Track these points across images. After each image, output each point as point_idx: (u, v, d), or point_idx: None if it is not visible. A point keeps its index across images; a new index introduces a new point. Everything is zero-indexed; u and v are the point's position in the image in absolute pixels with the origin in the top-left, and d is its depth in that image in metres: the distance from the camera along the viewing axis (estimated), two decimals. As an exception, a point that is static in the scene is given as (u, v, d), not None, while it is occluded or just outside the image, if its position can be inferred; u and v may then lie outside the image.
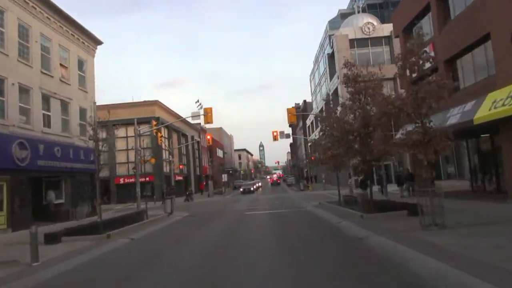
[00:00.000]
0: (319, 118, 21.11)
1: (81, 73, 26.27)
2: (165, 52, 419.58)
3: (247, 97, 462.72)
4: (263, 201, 32.96)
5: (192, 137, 63.70)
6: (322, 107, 57.20)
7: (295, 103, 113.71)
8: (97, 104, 27.37)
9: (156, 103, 45.08)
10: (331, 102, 27.44)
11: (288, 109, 28.67)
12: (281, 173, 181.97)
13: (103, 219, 16.48)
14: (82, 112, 25.72)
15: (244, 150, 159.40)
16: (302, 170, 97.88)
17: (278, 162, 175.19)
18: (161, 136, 38.64)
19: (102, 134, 19.02)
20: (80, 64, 26.29)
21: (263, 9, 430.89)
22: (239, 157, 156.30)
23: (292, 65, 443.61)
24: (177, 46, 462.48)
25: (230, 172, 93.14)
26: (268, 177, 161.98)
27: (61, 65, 24.07)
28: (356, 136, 15.09)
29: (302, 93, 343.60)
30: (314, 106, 72.37)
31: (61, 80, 23.98)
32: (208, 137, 42.06)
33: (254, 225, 16.56)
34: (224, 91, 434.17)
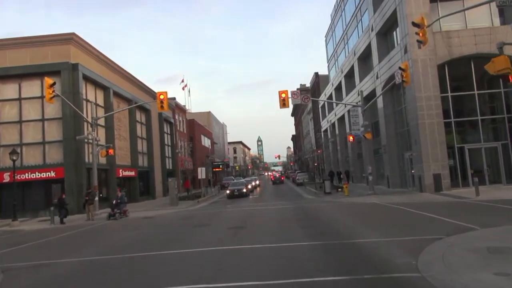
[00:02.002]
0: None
1: None
2: (163, 50, 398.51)
3: (245, 94, 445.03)
4: (264, 233, 13.24)
5: (160, 115, 44.03)
6: (353, 64, 37.63)
7: (300, 84, 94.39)
8: None
9: (71, 39, 25.37)
10: None
11: None
12: (281, 169, 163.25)
13: None
14: None
15: (240, 142, 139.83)
16: (309, 164, 78.54)
17: (279, 156, 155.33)
18: (53, 90, 19.09)
19: None
20: None
21: (262, 7, 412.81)
22: (234, 151, 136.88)
23: (291, 62, 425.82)
24: (176, 44, 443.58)
25: (221, 166, 73.51)
26: (267, 173, 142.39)
27: None
28: None
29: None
30: (332, 75, 52.85)
31: None
32: (161, 96, 22.19)
33: None
34: (221, 88, 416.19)
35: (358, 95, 35.57)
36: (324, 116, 57.95)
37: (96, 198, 22.97)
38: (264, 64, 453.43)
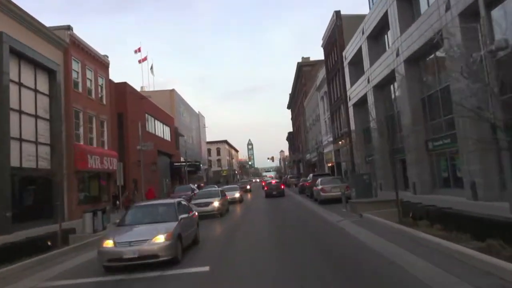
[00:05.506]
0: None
1: None
2: (156, 56, 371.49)
3: (235, 101, 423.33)
4: None
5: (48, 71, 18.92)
6: None
7: (303, 58, 69.90)
8: None
9: None
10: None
11: None
12: (273, 174, 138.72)
13: None
14: None
15: (225, 142, 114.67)
16: (319, 164, 53.87)
17: (273, 158, 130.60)
18: None
19: None
20: None
21: (255, 14, 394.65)
22: (218, 152, 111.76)
23: (284, 69, 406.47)
24: (169, 51, 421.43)
25: (185, 167, 48.26)
26: (257, 179, 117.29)
27: None
28: None
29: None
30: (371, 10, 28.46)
31: None
32: None
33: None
34: (212, 95, 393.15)
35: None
36: (354, 81, 33.43)
37: None
38: (255, 70, 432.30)
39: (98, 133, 28.18)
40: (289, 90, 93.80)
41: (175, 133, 51.06)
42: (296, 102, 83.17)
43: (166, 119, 47.07)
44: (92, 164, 25.31)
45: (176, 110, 55.51)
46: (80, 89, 26.17)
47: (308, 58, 67.54)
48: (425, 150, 20.94)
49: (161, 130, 44.55)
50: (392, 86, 25.33)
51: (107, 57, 31.26)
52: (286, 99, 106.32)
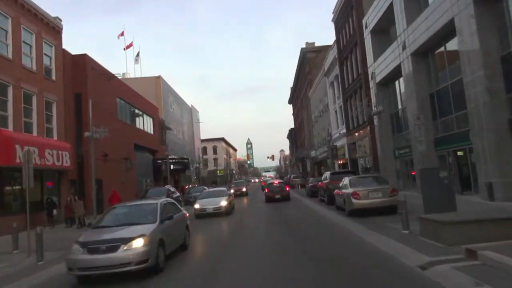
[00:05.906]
0: None
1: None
2: (153, 56, 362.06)
3: (235, 101, 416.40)
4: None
5: None
6: None
7: (307, 43, 62.64)
8: None
9: None
10: None
11: None
12: (273, 174, 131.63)
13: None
14: None
15: (222, 139, 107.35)
16: (318, 164, 46.79)
17: (273, 157, 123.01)
18: None
19: None
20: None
21: (253, 14, 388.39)
22: (214, 150, 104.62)
23: (283, 69, 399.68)
24: (167, 50, 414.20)
25: (165, 164, 40.97)
26: (256, 180, 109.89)
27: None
28: None
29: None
30: None
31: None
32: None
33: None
34: (211, 94, 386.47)
35: None
36: (379, 54, 26.25)
37: None
38: (255, 70, 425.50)
39: (41, 118, 20.95)
40: (289, 91, 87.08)
41: (161, 126, 43.84)
42: (298, 95, 75.94)
43: (148, 108, 39.81)
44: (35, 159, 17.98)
45: (164, 101, 48.34)
46: (10, 55, 18.94)
47: (313, 43, 60.32)
48: (510, 133, 13.76)
49: (140, 121, 37.33)
50: (444, 47, 18.13)
51: (60, 20, 24.01)
52: (285, 100, 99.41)
